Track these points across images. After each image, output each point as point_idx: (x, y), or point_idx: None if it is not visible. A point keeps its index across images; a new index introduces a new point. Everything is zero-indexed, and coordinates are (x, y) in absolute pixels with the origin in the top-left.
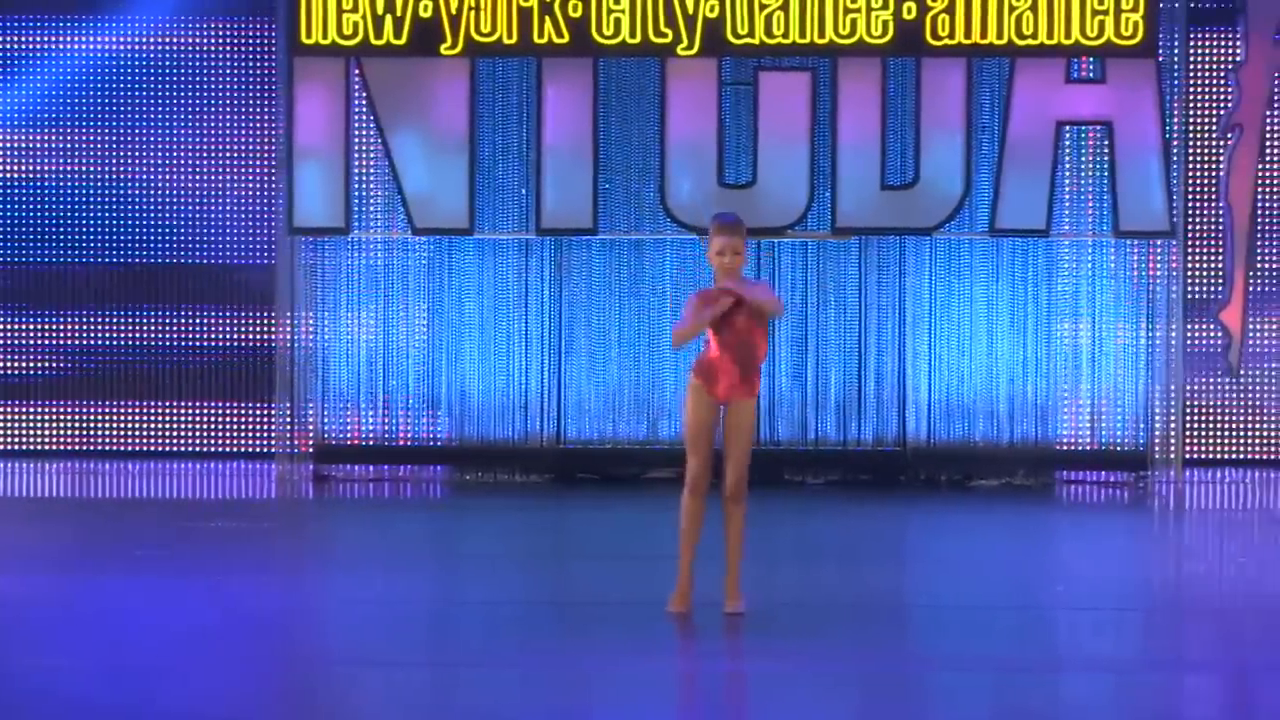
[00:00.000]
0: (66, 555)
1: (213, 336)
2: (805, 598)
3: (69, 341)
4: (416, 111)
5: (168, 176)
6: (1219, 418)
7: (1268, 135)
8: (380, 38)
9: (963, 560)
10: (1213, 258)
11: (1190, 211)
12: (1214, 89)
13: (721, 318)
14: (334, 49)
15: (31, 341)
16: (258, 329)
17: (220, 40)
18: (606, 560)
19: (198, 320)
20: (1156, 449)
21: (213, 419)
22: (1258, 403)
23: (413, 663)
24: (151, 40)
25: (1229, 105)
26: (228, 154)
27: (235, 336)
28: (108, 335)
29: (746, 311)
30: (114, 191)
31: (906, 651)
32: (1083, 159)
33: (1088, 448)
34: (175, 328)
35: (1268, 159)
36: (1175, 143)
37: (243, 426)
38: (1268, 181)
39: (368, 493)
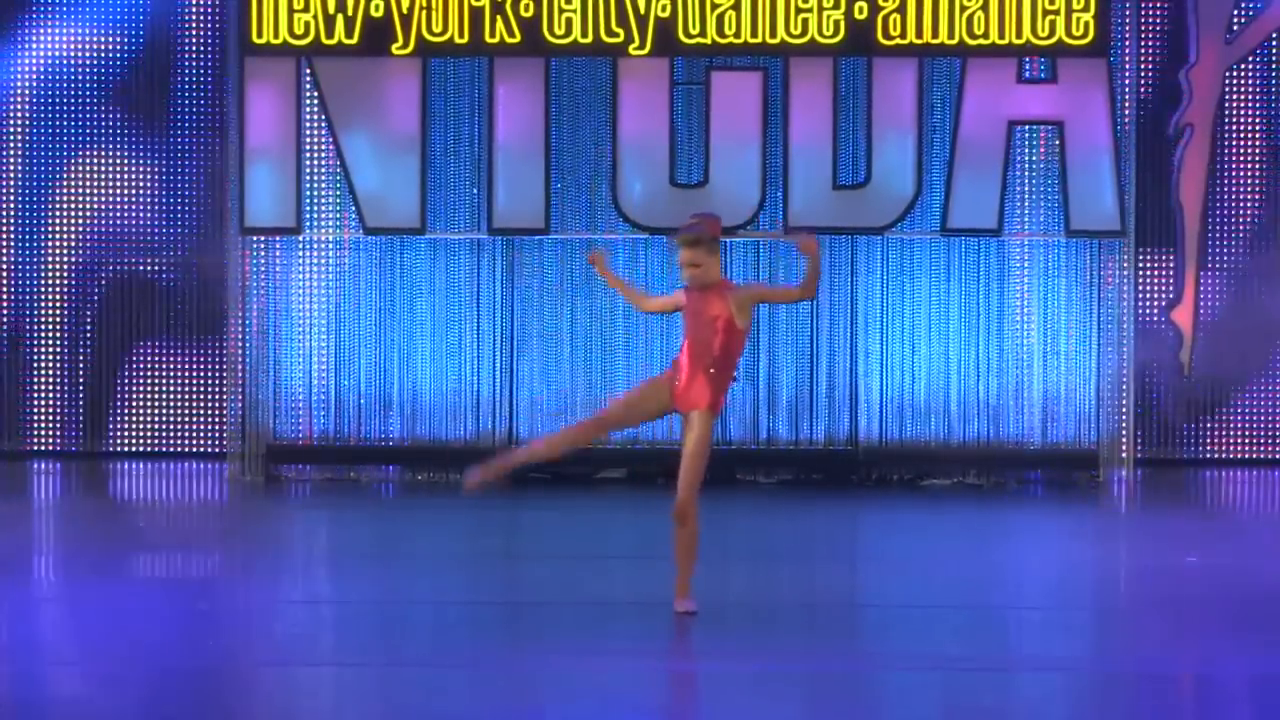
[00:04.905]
0: (15, 558)
1: (164, 336)
2: (756, 597)
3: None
4: (368, 111)
5: (119, 175)
6: (1170, 417)
7: (1217, 136)
8: (331, 37)
9: (914, 560)
10: (1164, 257)
11: (1140, 211)
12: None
13: (686, 317)
14: (285, 48)
15: None
16: (209, 329)
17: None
18: (557, 560)
19: (149, 320)
20: (1108, 448)
21: (164, 419)
22: (1209, 402)
23: (363, 663)
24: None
25: (1180, 105)
26: (178, 153)
27: (187, 337)
28: (56, 333)
29: (713, 309)
30: (64, 190)
31: (857, 651)
32: (1034, 159)
33: (1039, 447)
34: (126, 327)
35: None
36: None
37: (195, 427)
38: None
39: (319, 493)
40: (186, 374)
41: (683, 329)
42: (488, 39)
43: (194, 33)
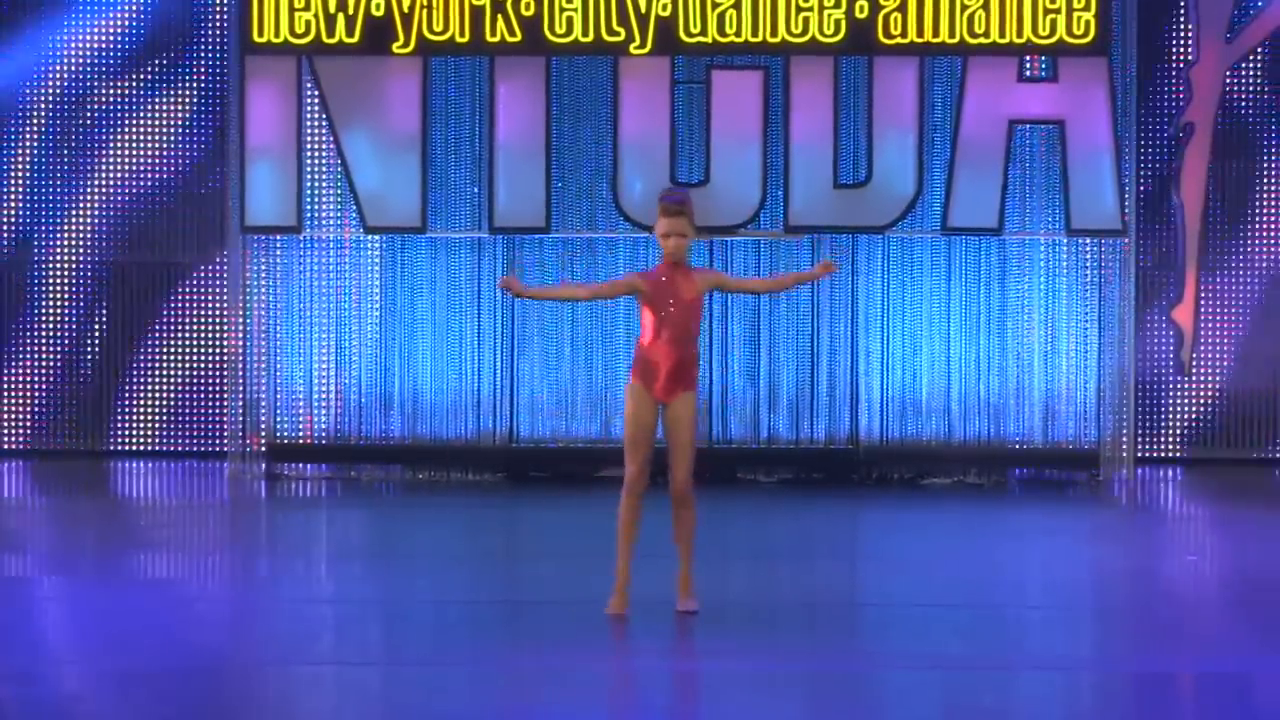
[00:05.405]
0: (15, 556)
1: (165, 335)
2: (757, 596)
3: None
4: (369, 110)
5: (120, 174)
6: (1171, 416)
7: (1218, 134)
8: (332, 36)
9: (914, 558)
10: (1164, 256)
11: (1141, 210)
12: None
13: (659, 301)
14: (286, 47)
15: None
16: (210, 328)
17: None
18: (558, 559)
19: (150, 319)
20: (1108, 447)
21: (165, 418)
22: (1209, 401)
23: (364, 662)
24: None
25: (1181, 104)
26: (180, 151)
27: (188, 336)
28: (57, 333)
29: (688, 290)
30: (69, 188)
31: (857, 650)
32: (1035, 158)
33: (1040, 446)
34: (127, 326)
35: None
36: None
37: (195, 425)
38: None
39: (320, 492)
40: (187, 373)
41: (647, 314)
42: (488, 38)
43: (196, 33)
